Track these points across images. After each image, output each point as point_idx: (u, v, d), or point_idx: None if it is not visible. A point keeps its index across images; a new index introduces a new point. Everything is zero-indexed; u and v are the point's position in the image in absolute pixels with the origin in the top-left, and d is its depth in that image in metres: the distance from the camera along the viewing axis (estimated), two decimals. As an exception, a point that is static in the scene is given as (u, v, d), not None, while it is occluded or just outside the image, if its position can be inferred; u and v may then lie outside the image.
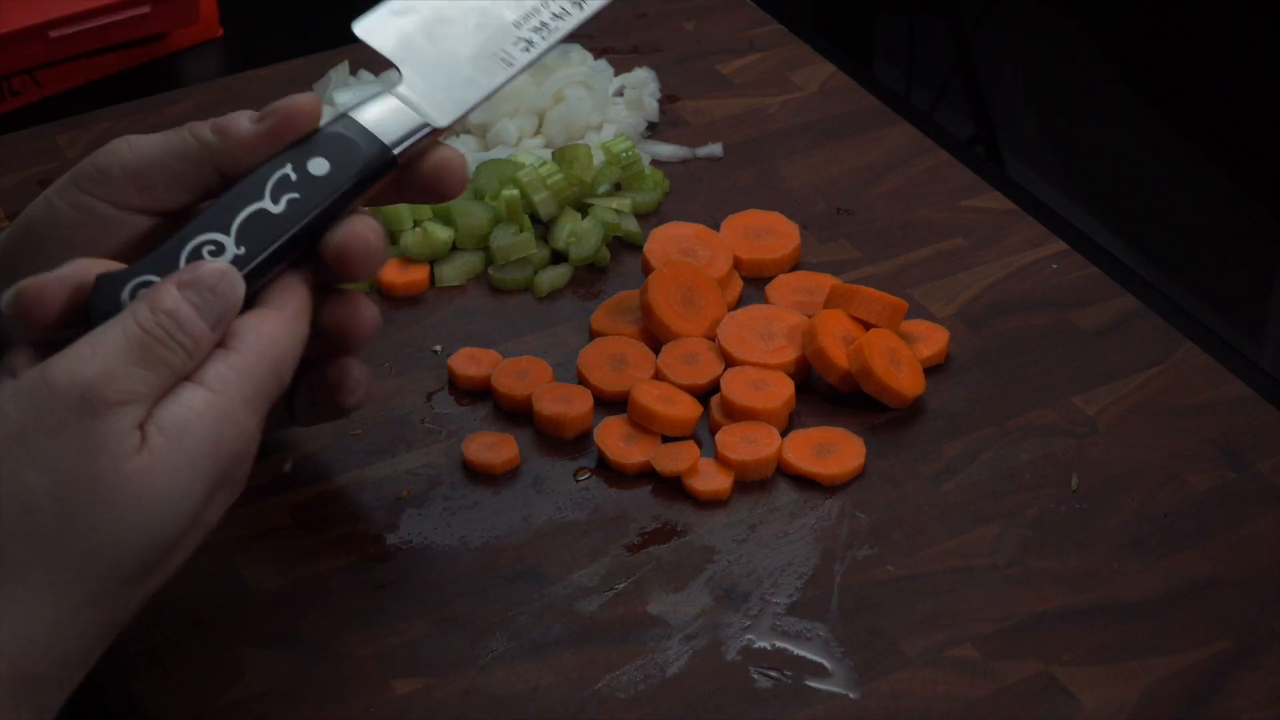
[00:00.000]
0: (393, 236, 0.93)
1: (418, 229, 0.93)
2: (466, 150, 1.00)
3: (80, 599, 0.58)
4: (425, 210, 0.93)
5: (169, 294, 0.62)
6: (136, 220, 0.67)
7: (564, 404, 0.82)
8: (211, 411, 0.61)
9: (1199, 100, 1.83)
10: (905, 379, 0.83)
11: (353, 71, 1.05)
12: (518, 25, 0.74)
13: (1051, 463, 0.81)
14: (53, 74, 1.12)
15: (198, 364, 0.62)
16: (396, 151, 0.68)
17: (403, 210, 0.93)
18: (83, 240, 0.66)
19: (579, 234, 0.93)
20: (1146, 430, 0.83)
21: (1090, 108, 1.99)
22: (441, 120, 0.70)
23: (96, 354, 0.60)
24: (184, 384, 0.61)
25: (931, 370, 0.86)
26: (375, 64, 1.06)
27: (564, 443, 0.82)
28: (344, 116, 0.68)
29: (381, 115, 0.69)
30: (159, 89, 1.09)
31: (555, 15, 0.74)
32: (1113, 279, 0.92)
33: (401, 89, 0.70)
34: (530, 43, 0.73)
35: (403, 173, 0.69)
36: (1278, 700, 0.69)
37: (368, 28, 0.73)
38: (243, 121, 0.67)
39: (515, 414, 0.84)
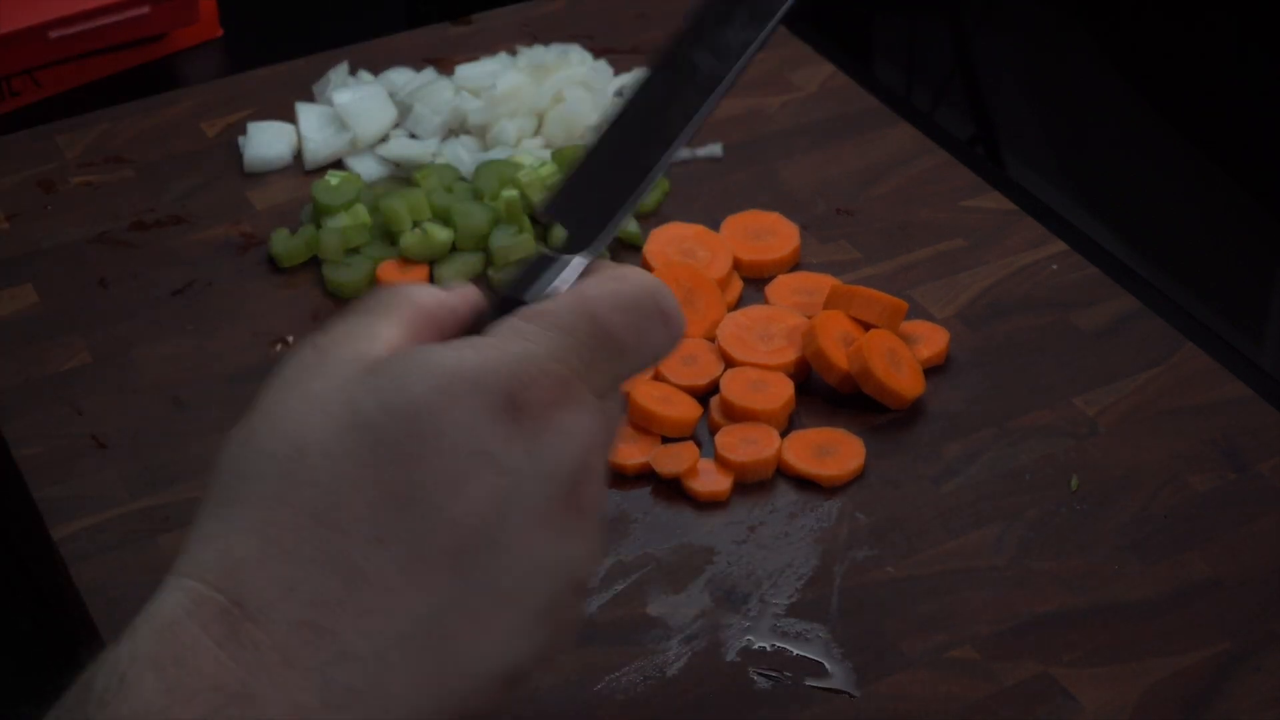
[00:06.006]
0: (392, 237, 0.93)
1: (418, 229, 0.93)
2: (466, 150, 1.00)
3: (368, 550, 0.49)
4: (425, 211, 0.93)
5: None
6: None
7: (564, 405, 0.82)
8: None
9: (1200, 100, 1.83)
10: (905, 380, 0.83)
11: (352, 72, 1.05)
12: None
13: (1052, 464, 0.81)
14: (53, 74, 1.12)
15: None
16: None
17: (402, 211, 0.93)
18: None
19: (579, 234, 0.92)
20: (1147, 431, 0.83)
21: (1090, 108, 1.99)
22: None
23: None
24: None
25: (931, 371, 0.86)
26: (374, 64, 1.06)
27: (564, 443, 0.82)
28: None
29: None
30: (159, 89, 1.09)
31: None
32: (1113, 279, 0.92)
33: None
34: None
35: None
36: (1278, 701, 0.69)
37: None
38: None
39: (515, 414, 0.83)
